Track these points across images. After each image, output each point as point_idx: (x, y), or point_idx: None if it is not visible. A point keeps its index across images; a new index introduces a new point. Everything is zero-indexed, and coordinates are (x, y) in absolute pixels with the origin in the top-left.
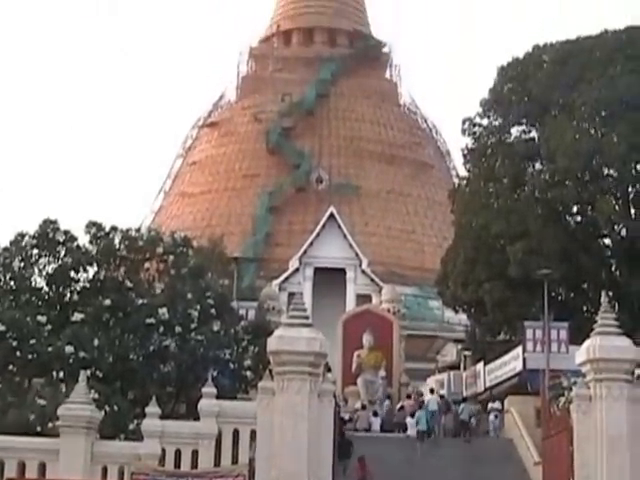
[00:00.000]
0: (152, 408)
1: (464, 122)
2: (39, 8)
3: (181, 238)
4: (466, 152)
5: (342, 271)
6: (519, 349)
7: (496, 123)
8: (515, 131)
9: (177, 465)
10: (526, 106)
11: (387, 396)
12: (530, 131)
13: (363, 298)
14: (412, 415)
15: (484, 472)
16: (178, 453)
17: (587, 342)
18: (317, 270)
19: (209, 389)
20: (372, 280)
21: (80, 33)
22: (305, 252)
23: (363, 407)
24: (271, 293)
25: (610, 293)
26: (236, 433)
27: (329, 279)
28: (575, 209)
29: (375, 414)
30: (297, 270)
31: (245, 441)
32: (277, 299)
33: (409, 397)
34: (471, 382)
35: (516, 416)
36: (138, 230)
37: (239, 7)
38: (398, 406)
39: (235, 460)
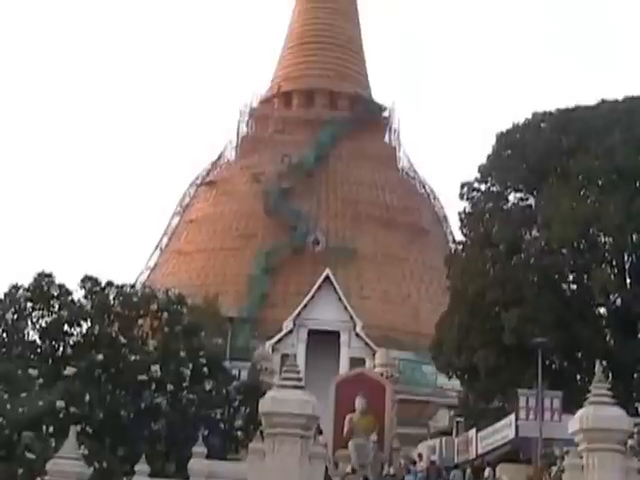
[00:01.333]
0: (141, 466)
1: (462, 187)
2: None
3: (175, 296)
4: (463, 216)
5: (336, 334)
6: (512, 417)
7: (494, 189)
8: (512, 197)
9: None
10: (524, 173)
11: (389, 464)
12: (527, 198)
13: (357, 361)
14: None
15: None
16: None
17: (580, 411)
18: (311, 332)
19: (199, 448)
20: (366, 344)
21: (80, 84)
22: (300, 314)
23: (353, 471)
24: (264, 354)
25: (604, 362)
26: None
27: (323, 341)
28: (570, 277)
29: (365, 479)
30: (291, 331)
31: None
32: (270, 360)
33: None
34: (463, 449)
35: None
36: (133, 286)
37: (240, 67)
38: (391, 472)
39: None
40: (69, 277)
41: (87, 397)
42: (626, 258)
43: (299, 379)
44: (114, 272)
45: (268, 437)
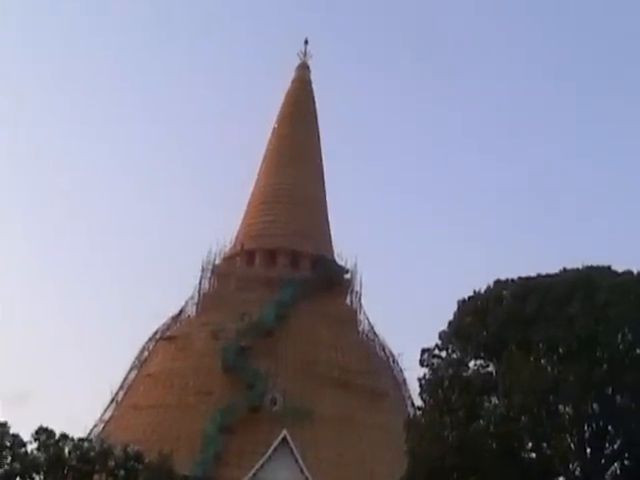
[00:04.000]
0: None
1: (422, 353)
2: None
3: (134, 452)
4: (423, 382)
5: None
6: None
7: (454, 356)
8: (473, 364)
9: None
10: (484, 340)
11: None
12: (488, 365)
13: None
14: None
15: None
16: None
17: None
18: None
19: None
20: None
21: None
22: (255, 474)
23: None
24: None
25: None
26: None
27: None
28: (530, 445)
29: None
30: None
31: None
32: None
33: None
34: None
35: None
36: (89, 440)
37: (204, 222)
38: None
39: None
40: (23, 426)
41: None
42: (586, 427)
43: None
44: (67, 424)
45: None
